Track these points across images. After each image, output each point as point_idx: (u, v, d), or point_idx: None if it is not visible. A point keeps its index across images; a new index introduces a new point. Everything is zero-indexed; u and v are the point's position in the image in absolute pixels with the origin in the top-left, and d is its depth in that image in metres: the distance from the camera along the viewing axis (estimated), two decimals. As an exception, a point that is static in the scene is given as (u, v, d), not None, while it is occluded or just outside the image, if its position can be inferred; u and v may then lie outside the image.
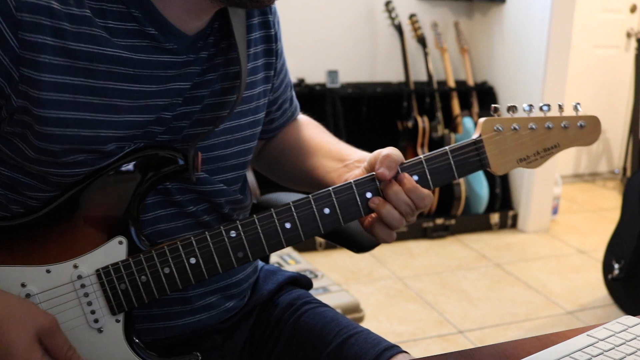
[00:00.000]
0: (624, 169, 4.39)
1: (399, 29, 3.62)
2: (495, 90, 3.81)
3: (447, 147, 0.84)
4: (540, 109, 0.85)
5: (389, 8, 3.62)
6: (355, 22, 3.66)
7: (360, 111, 3.57)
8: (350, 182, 0.82)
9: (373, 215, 0.84)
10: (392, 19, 3.62)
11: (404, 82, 3.65)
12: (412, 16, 3.68)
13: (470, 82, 3.76)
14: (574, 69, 4.03)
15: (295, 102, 1.12)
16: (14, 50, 0.73)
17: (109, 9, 0.79)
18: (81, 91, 0.77)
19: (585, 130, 0.87)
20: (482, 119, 0.85)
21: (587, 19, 4.39)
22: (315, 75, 3.53)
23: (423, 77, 3.70)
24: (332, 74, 3.53)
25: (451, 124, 3.67)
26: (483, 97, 3.80)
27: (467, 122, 3.65)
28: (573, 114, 0.87)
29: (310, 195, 0.82)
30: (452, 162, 0.84)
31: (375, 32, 3.72)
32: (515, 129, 0.85)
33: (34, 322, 0.76)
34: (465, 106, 3.73)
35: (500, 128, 0.84)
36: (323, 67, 3.55)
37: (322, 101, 3.48)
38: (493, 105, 0.85)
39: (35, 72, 0.74)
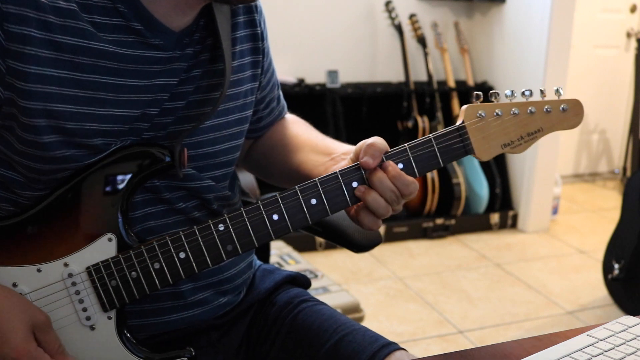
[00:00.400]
0: (624, 169, 4.39)
1: (399, 29, 3.62)
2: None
3: (430, 135, 0.85)
4: (523, 94, 0.86)
5: (389, 8, 3.62)
6: (355, 22, 3.66)
7: (360, 111, 3.57)
8: (336, 172, 0.83)
9: (359, 204, 0.85)
10: (392, 19, 3.62)
11: (404, 82, 3.65)
12: (412, 16, 3.68)
13: (470, 82, 3.76)
14: (574, 69, 4.03)
15: (283, 101, 1.12)
16: (0, 42, 0.73)
17: (94, 4, 0.79)
18: (66, 84, 0.77)
19: (567, 113, 0.87)
20: (464, 106, 0.86)
21: (587, 19, 4.39)
22: (315, 75, 3.53)
23: (423, 77, 3.70)
24: (332, 74, 3.53)
25: (451, 124, 3.66)
26: (483, 97, 3.79)
27: (467, 122, 3.64)
28: (555, 98, 0.87)
29: (296, 187, 0.82)
30: (436, 149, 0.84)
31: (375, 32, 3.72)
32: (497, 114, 0.85)
33: (31, 316, 0.77)
34: (465, 106, 3.73)
35: (482, 114, 0.85)
36: (323, 67, 3.55)
37: (322, 101, 3.47)
38: (475, 92, 0.86)
39: (21, 64, 0.75)
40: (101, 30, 0.79)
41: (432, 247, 3.38)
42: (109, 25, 0.80)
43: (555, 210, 3.82)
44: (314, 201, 0.82)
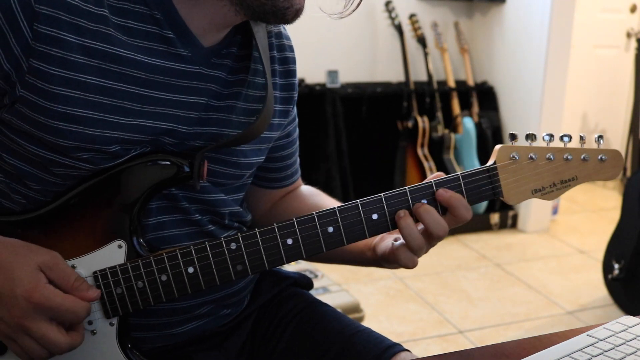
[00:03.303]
0: (624, 169, 4.39)
1: (399, 29, 3.62)
2: (495, 90, 3.81)
3: (459, 173, 0.82)
4: (561, 139, 0.82)
5: (389, 8, 3.62)
6: (355, 22, 3.66)
7: (360, 111, 3.57)
8: (357, 202, 0.81)
9: (395, 242, 0.84)
10: (392, 19, 3.62)
11: (404, 82, 3.65)
12: (412, 16, 3.69)
13: (470, 82, 3.76)
14: (574, 69, 4.03)
15: (298, 167, 1.10)
16: (27, 40, 0.73)
17: (131, 9, 0.79)
18: (92, 90, 0.77)
19: (606, 164, 0.84)
20: (498, 146, 0.82)
21: (587, 19, 4.39)
22: (315, 75, 3.53)
23: (423, 77, 3.71)
24: (332, 74, 3.53)
25: (451, 124, 3.67)
26: (483, 97, 3.80)
27: (467, 122, 3.65)
28: (595, 146, 0.84)
29: (314, 213, 0.81)
30: (463, 188, 0.82)
31: (375, 32, 3.72)
32: (532, 158, 0.82)
33: (34, 256, 0.76)
34: (465, 106, 3.73)
35: (516, 156, 0.82)
36: (323, 67, 3.55)
37: (322, 101, 3.48)
38: (510, 132, 0.82)
39: (46, 65, 0.74)
40: (133, 35, 0.79)
41: (432, 247, 3.37)
42: (141, 32, 0.79)
43: (555, 210, 3.82)
44: (331, 229, 0.80)
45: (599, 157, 0.84)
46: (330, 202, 1.05)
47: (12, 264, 0.75)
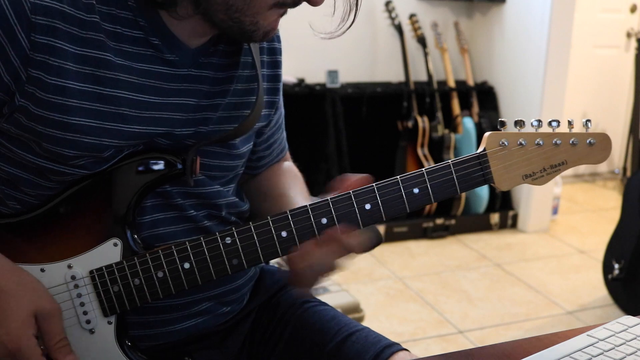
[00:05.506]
0: (624, 169, 4.39)
1: (399, 29, 3.62)
2: (495, 90, 3.81)
3: (449, 161, 0.82)
4: (549, 124, 0.83)
5: (389, 8, 3.62)
6: (356, 22, 3.65)
7: (360, 111, 3.57)
8: (349, 192, 0.82)
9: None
10: (392, 19, 3.62)
11: (404, 82, 3.65)
12: (412, 16, 3.69)
13: (470, 82, 3.76)
14: (574, 69, 4.03)
15: (285, 143, 1.11)
16: (25, 50, 0.73)
17: (118, 15, 0.79)
18: (88, 98, 0.77)
19: (594, 147, 0.85)
20: (487, 133, 0.83)
21: (587, 19, 4.39)
22: (315, 75, 3.53)
23: (423, 77, 3.70)
24: (332, 74, 3.53)
25: (451, 124, 3.67)
26: (483, 97, 3.80)
27: (467, 122, 3.65)
28: (583, 130, 0.85)
29: (308, 205, 0.81)
30: (454, 176, 0.82)
31: (375, 32, 3.72)
32: (521, 144, 0.83)
33: (36, 300, 0.77)
34: (465, 106, 3.73)
35: (505, 143, 0.83)
36: (323, 67, 3.55)
37: (322, 101, 3.47)
38: (500, 120, 0.83)
39: (44, 74, 0.74)
40: (122, 41, 0.79)
41: (432, 247, 3.38)
42: (129, 37, 0.80)
43: (555, 210, 3.82)
44: (324, 221, 0.81)
45: (588, 141, 0.85)
46: (294, 184, 1.05)
47: (10, 297, 0.75)
